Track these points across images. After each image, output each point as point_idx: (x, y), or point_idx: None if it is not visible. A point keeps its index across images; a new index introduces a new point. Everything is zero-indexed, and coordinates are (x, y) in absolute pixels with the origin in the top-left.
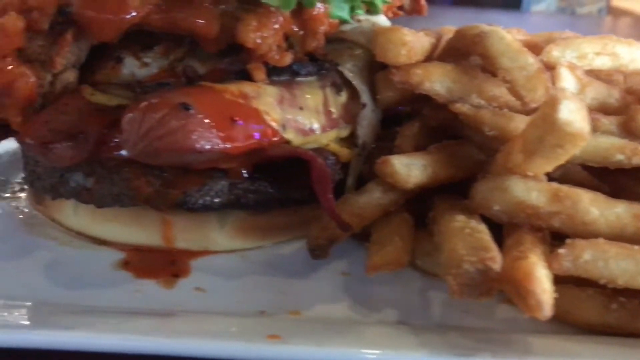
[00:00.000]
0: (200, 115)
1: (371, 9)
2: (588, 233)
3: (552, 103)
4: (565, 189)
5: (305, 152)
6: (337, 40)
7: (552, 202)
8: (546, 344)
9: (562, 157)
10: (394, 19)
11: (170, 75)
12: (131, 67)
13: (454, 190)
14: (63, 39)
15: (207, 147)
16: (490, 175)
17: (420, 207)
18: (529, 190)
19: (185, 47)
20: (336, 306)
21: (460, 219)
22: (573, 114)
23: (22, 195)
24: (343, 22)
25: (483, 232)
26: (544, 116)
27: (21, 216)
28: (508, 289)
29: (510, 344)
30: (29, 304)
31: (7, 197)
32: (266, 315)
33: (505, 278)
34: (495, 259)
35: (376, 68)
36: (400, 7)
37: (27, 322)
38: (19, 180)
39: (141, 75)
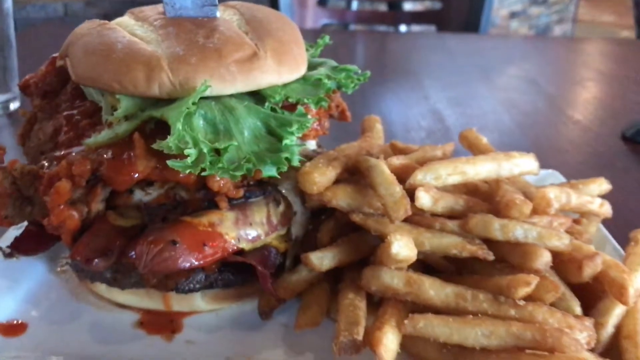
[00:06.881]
0: (184, 247)
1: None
2: (429, 306)
3: (388, 242)
4: (415, 276)
5: (250, 261)
6: None
7: (406, 285)
8: None
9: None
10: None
11: (166, 198)
12: (139, 195)
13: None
14: (95, 191)
15: (188, 266)
16: (373, 264)
17: (337, 275)
18: (392, 277)
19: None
20: (276, 351)
21: (350, 297)
22: (402, 247)
23: (68, 268)
24: None
25: (360, 309)
26: (383, 250)
27: (69, 287)
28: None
29: None
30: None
31: (59, 271)
32: None
33: (368, 344)
34: (360, 333)
35: None
36: (331, 115)
37: None
38: (64, 256)
39: (146, 200)
